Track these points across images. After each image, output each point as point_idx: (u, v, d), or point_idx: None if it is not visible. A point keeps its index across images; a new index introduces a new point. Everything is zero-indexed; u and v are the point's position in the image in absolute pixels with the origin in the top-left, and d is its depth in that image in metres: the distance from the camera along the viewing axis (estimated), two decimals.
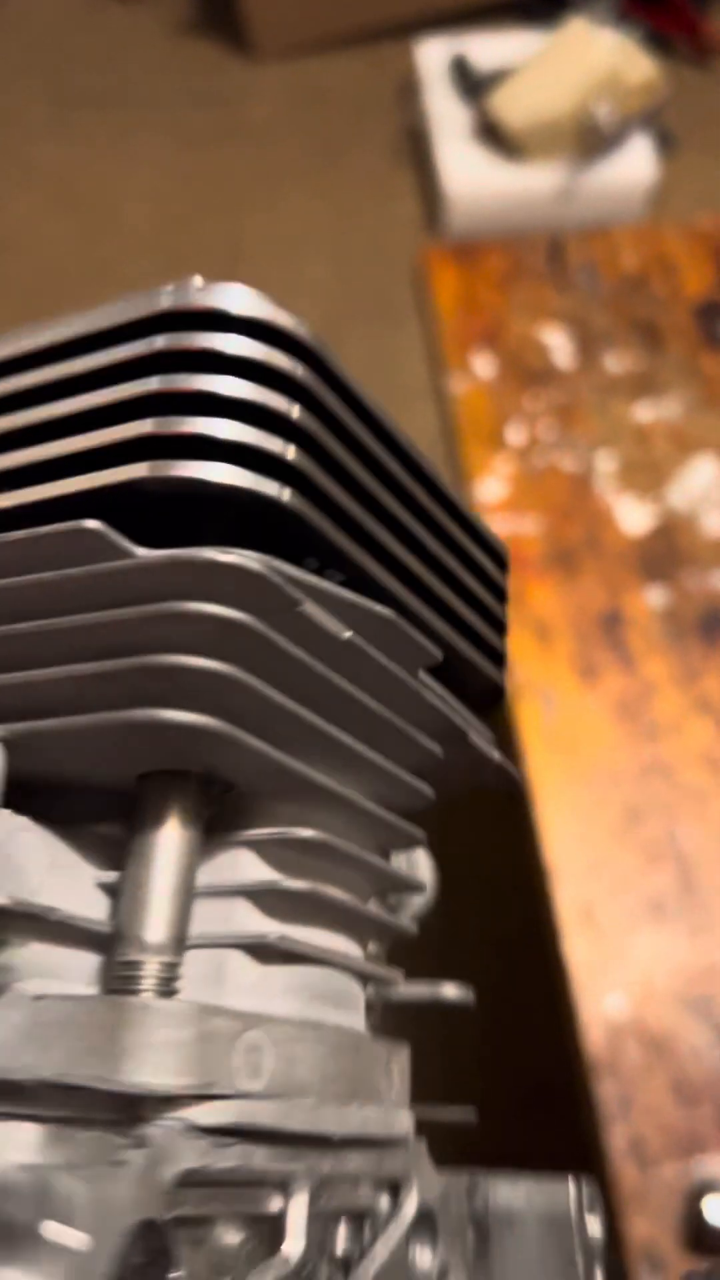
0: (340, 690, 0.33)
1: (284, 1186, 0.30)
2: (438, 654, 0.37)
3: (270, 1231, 0.30)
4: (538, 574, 1.29)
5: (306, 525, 0.31)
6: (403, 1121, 0.36)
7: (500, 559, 0.43)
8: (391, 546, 0.35)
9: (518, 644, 1.26)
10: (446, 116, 2.52)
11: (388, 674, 0.34)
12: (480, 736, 0.40)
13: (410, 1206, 0.35)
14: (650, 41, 2.56)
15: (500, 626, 0.43)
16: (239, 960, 0.32)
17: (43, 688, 0.30)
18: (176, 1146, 0.27)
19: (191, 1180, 0.27)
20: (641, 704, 1.22)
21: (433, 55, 2.59)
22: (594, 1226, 0.35)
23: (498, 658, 0.42)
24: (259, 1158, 0.29)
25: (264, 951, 0.32)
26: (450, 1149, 0.40)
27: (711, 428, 1.37)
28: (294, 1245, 0.30)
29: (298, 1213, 0.30)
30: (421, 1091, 0.38)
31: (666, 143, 2.57)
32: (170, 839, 0.31)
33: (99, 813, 0.33)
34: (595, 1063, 1.07)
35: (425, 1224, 0.36)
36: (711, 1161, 1.04)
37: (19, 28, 3.07)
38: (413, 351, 1.85)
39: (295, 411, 0.31)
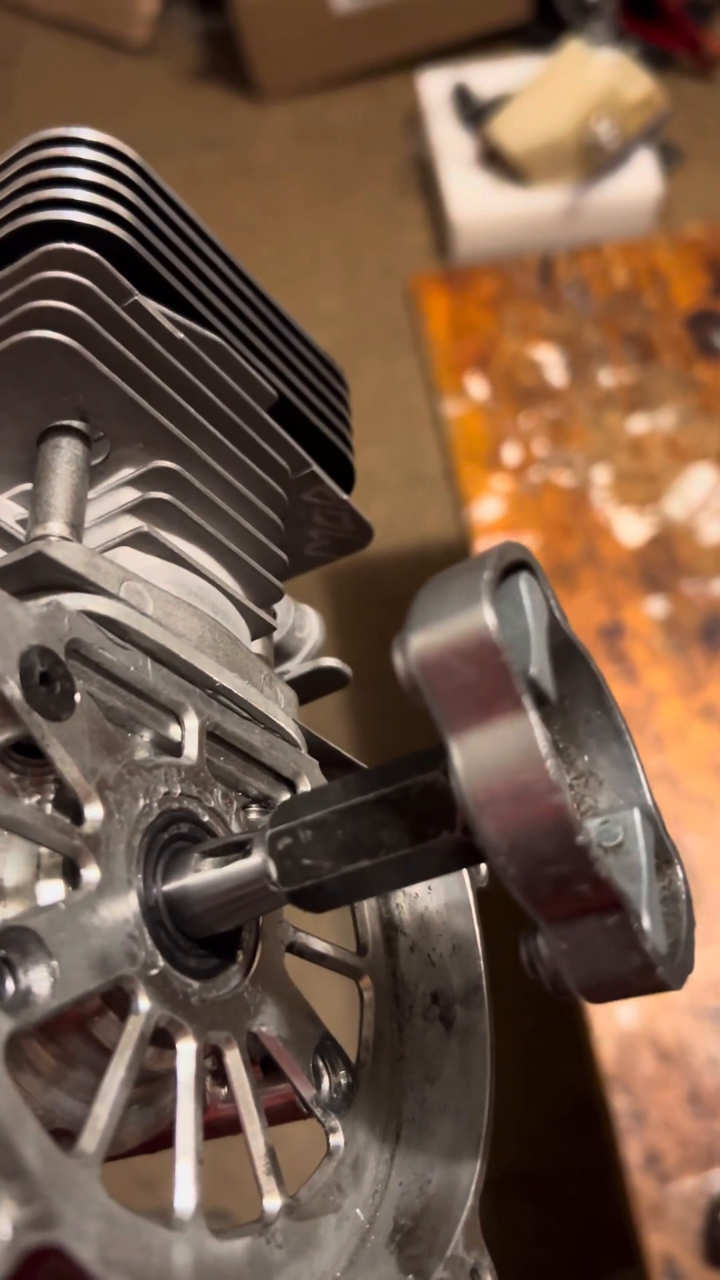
0: (189, 384, 0.41)
1: (177, 713, 0.37)
2: (272, 392, 0.46)
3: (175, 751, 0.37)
4: None
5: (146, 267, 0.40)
6: (288, 725, 0.42)
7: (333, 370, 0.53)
8: (217, 292, 0.45)
9: None
10: (451, 145, 2.55)
11: (230, 392, 0.43)
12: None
13: (305, 788, 0.41)
14: (650, 57, 2.57)
15: (344, 401, 0.52)
16: (128, 553, 0.41)
17: None
18: (72, 618, 0.33)
19: (82, 653, 0.34)
20: (645, 714, 1.22)
21: (435, 86, 2.62)
22: None
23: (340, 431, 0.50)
24: (150, 672, 0.36)
25: (143, 542, 0.41)
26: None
27: (707, 436, 1.37)
28: (191, 752, 0.36)
29: (191, 729, 0.37)
30: None
31: (671, 156, 2.58)
32: (66, 457, 0.39)
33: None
34: (608, 1076, 1.07)
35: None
36: None
37: (33, 86, 3.16)
38: (424, 378, 1.87)
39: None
